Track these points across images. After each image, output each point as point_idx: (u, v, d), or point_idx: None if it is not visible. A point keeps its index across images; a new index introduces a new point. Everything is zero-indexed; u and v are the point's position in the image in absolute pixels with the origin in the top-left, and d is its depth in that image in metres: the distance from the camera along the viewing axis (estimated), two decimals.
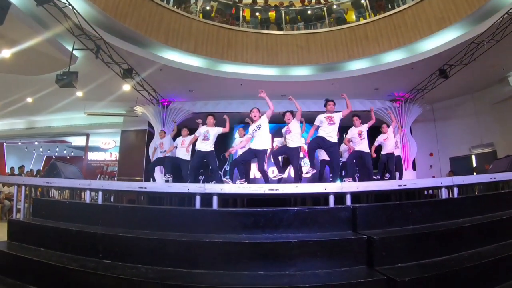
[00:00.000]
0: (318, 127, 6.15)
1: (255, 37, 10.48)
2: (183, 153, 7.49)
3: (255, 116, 6.10)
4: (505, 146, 11.29)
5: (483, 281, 2.68)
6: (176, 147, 7.73)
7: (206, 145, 6.52)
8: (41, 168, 16.37)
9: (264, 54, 10.36)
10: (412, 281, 2.42)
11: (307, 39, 10.54)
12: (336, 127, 6.03)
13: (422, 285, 2.47)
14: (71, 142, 17.31)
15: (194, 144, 6.96)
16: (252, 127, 6.04)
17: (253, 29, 10.71)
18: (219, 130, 6.62)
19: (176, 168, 7.60)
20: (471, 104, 12.80)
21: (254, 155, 5.97)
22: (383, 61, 10.14)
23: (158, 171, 10.12)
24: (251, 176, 9.16)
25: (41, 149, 18.24)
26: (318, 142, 6.10)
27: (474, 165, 12.83)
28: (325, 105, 6.25)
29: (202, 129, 6.66)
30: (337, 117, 6.05)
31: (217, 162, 6.76)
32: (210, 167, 6.73)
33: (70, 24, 7.20)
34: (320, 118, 6.10)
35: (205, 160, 6.66)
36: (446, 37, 8.98)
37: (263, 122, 5.97)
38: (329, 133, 5.98)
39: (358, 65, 10.47)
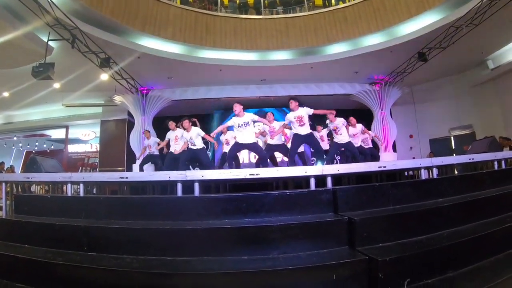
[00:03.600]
0: (288, 124, 6.29)
1: (233, 22, 10.41)
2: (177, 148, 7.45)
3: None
4: (483, 128, 11.60)
5: (462, 259, 2.75)
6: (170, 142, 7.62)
7: (194, 146, 6.76)
8: (21, 163, 16.10)
9: (243, 39, 10.32)
10: (393, 260, 2.47)
11: (286, 23, 10.52)
12: (307, 126, 6.11)
13: (402, 264, 2.52)
14: (50, 135, 16.93)
15: None
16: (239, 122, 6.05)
17: (232, 14, 10.64)
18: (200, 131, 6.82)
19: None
20: (450, 86, 13.04)
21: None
22: (362, 45, 10.22)
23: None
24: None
25: (20, 144, 17.77)
26: (298, 140, 6.22)
27: (453, 146, 13.13)
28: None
29: (186, 135, 6.81)
30: (306, 116, 6.07)
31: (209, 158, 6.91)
32: (203, 163, 6.90)
33: (45, 14, 6.99)
34: (290, 118, 6.15)
35: (195, 157, 6.88)
36: (425, 21, 9.09)
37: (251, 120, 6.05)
38: (302, 131, 6.08)
39: (337, 49, 10.52)
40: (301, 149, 7.06)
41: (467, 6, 8.10)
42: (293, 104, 6.08)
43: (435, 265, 2.64)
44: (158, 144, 8.45)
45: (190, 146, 6.81)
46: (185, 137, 6.82)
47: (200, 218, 3.24)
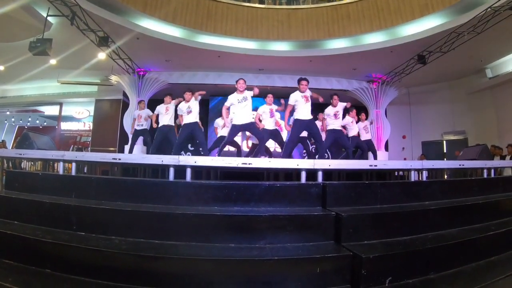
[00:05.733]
0: (294, 106, 5.95)
1: (235, 9, 10.35)
2: (167, 120, 6.99)
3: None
4: (477, 135, 11.73)
5: (444, 262, 2.80)
6: (158, 116, 7.14)
7: (191, 117, 6.35)
8: (13, 138, 15.97)
9: (244, 27, 10.28)
10: (377, 258, 2.51)
11: (288, 15, 10.49)
12: (309, 109, 5.92)
13: (386, 262, 2.57)
14: (43, 112, 16.78)
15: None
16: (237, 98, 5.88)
17: (234, 1, 10.54)
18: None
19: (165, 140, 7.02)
20: (447, 91, 13.15)
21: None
22: (363, 42, 10.23)
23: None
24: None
25: (13, 119, 17.56)
26: (300, 127, 6.00)
27: (445, 150, 13.26)
28: (298, 84, 5.98)
29: (182, 106, 6.43)
30: (309, 97, 5.95)
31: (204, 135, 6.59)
32: (198, 141, 6.57)
33: None
34: (296, 97, 5.88)
35: (192, 134, 6.43)
36: (428, 24, 9.10)
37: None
38: (307, 112, 5.88)
39: (337, 44, 10.54)
40: (303, 134, 6.89)
41: (470, 13, 8.12)
42: (304, 85, 5.88)
43: (417, 266, 2.68)
44: (149, 117, 7.90)
45: (185, 121, 6.39)
46: (181, 108, 6.42)
47: (190, 203, 3.26)
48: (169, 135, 6.89)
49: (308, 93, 5.92)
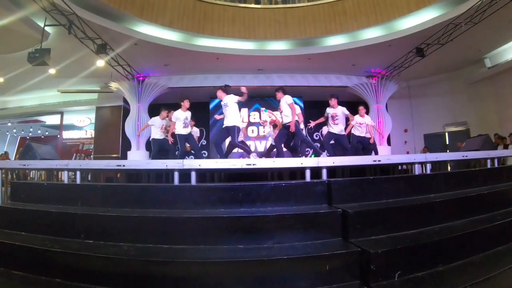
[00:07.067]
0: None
1: (232, 11, 10.37)
2: (161, 135, 7.34)
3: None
4: (478, 125, 11.72)
5: (452, 254, 2.79)
6: (151, 127, 7.46)
7: (187, 130, 6.57)
8: (15, 149, 16.00)
9: (241, 28, 10.30)
10: (385, 252, 2.51)
11: (285, 14, 10.50)
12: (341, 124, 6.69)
13: (394, 257, 2.56)
14: (45, 121, 16.78)
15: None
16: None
17: (230, 3, 10.58)
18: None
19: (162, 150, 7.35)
20: (447, 83, 13.12)
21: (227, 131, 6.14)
22: (360, 38, 10.23)
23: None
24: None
25: (14, 130, 17.55)
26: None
27: (447, 142, 13.25)
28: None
29: (180, 115, 6.52)
30: (341, 114, 6.67)
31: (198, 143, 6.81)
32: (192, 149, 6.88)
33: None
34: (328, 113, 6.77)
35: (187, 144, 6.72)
36: (425, 17, 9.10)
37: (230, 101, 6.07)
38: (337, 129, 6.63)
39: (335, 41, 10.53)
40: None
41: (467, 4, 8.11)
42: (332, 101, 6.72)
43: (426, 259, 2.68)
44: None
45: (181, 132, 6.52)
46: (178, 116, 6.48)
47: (197, 206, 3.26)
48: (165, 146, 7.17)
49: (339, 111, 6.69)
